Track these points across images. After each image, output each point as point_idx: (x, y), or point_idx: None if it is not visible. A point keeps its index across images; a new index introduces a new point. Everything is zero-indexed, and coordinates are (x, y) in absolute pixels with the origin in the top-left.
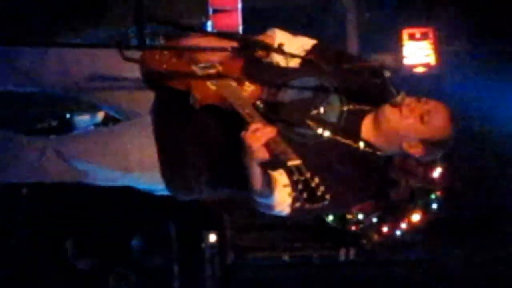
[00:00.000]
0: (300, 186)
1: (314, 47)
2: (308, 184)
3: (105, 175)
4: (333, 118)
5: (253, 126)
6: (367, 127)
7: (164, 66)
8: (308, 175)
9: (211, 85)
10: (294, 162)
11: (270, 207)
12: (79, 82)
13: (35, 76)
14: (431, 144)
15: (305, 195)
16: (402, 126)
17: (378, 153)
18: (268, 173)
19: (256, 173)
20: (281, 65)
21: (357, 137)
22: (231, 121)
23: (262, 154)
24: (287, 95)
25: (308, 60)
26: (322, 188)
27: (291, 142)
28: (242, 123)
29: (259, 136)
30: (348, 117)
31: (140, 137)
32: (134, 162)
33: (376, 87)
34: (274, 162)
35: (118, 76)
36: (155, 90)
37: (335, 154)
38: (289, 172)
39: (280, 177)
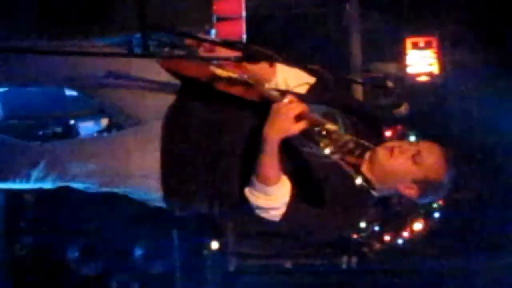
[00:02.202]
0: (340, 143)
1: (315, 83)
2: (349, 142)
3: (104, 180)
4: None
5: (288, 97)
6: (366, 163)
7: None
8: (347, 137)
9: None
10: (332, 126)
11: (266, 200)
12: (93, 80)
13: (47, 71)
14: (425, 184)
15: (351, 144)
16: (394, 167)
17: (373, 192)
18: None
19: (274, 153)
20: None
21: (357, 169)
22: (248, 128)
23: (300, 124)
24: None
25: (311, 71)
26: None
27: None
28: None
29: (294, 106)
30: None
31: (145, 142)
32: (135, 167)
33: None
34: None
35: (139, 77)
36: (172, 95)
37: (335, 178)
38: (327, 132)
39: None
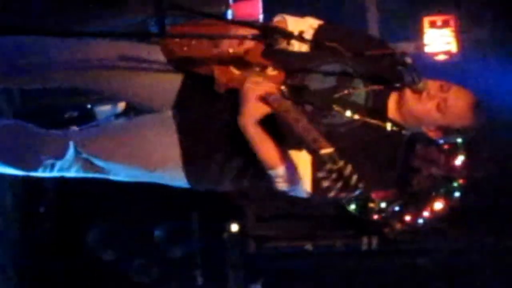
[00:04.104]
0: (334, 176)
1: (320, 27)
2: (342, 174)
3: (127, 173)
4: (359, 100)
5: (254, 79)
6: (392, 106)
7: (185, 48)
8: (341, 163)
9: (234, 70)
10: (327, 150)
11: (284, 181)
12: (99, 71)
13: (58, 57)
14: (450, 130)
15: (339, 185)
16: (419, 111)
17: (403, 132)
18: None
19: (257, 138)
20: (295, 50)
21: (384, 117)
22: None
23: (260, 108)
24: (309, 82)
25: (331, 48)
26: (355, 178)
27: (323, 130)
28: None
29: (255, 87)
30: (374, 98)
31: (162, 135)
32: (157, 161)
33: (396, 73)
34: (299, 142)
35: (140, 61)
36: (177, 81)
37: (366, 137)
38: (322, 161)
39: (299, 153)
